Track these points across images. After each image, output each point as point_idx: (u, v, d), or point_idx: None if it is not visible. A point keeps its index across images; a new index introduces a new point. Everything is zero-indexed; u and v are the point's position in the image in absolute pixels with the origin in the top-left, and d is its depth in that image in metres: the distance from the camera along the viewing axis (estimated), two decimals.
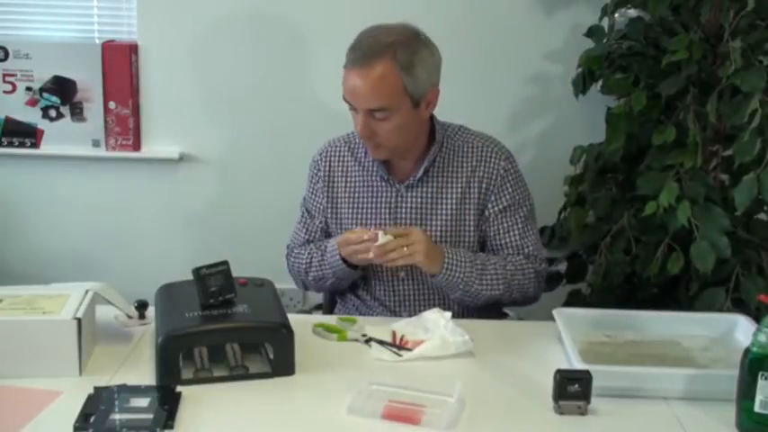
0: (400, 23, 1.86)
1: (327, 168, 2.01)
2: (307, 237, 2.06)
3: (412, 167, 1.95)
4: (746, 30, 2.19)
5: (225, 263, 1.65)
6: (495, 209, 1.93)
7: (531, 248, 1.95)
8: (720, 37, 2.24)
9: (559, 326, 1.68)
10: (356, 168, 1.99)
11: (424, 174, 1.93)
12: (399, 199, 1.95)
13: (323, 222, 2.04)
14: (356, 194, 1.98)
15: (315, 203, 2.04)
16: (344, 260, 1.88)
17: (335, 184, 2.00)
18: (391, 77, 1.79)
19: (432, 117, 1.95)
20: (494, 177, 1.93)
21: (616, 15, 2.51)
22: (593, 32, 2.56)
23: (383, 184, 1.96)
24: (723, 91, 2.20)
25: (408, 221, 1.94)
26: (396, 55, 1.79)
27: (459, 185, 1.93)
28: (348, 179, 1.99)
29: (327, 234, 2.03)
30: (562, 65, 2.71)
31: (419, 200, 1.94)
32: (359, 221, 1.96)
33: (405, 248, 1.77)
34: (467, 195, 1.93)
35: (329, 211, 2.01)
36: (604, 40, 2.50)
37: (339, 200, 1.99)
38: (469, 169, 1.94)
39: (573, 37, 2.67)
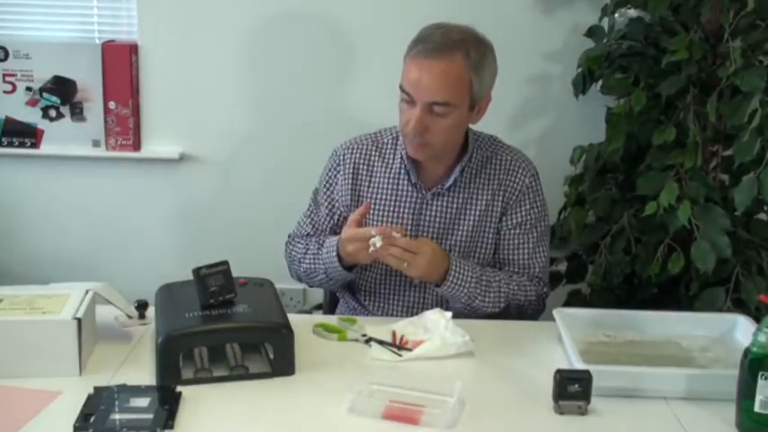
0: (465, 25, 1.84)
1: (352, 164, 1.96)
2: (312, 229, 2.03)
3: (441, 175, 1.91)
4: (746, 30, 2.19)
5: (225, 263, 1.65)
6: (510, 223, 1.92)
7: (537, 270, 1.94)
8: (720, 37, 2.24)
9: (559, 326, 1.68)
10: (382, 169, 1.95)
11: (452, 183, 1.90)
12: (425, 206, 1.92)
13: (334, 216, 2.00)
14: (380, 195, 1.94)
15: (329, 197, 2.00)
16: (340, 260, 1.86)
17: (360, 182, 1.96)
18: (462, 73, 1.76)
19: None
20: (516, 192, 1.91)
21: (616, 15, 2.51)
22: (593, 32, 2.56)
23: (409, 188, 1.92)
24: (723, 91, 2.21)
25: (431, 229, 1.91)
26: (468, 52, 1.77)
27: (485, 198, 1.91)
28: (372, 179, 1.95)
29: (334, 231, 2.00)
30: (562, 65, 2.71)
31: (444, 209, 1.91)
32: (382, 221, 1.93)
33: (404, 264, 1.75)
34: (490, 208, 1.91)
35: (352, 208, 1.95)
36: (604, 40, 2.51)
37: (363, 199, 1.95)
38: (496, 182, 1.92)
39: (573, 37, 2.68)
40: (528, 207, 1.92)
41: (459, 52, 1.76)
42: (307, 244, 1.99)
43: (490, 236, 1.93)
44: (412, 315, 1.89)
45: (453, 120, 1.80)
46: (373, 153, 1.97)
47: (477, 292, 1.84)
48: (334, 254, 1.86)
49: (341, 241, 1.83)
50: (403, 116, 1.82)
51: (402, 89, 1.80)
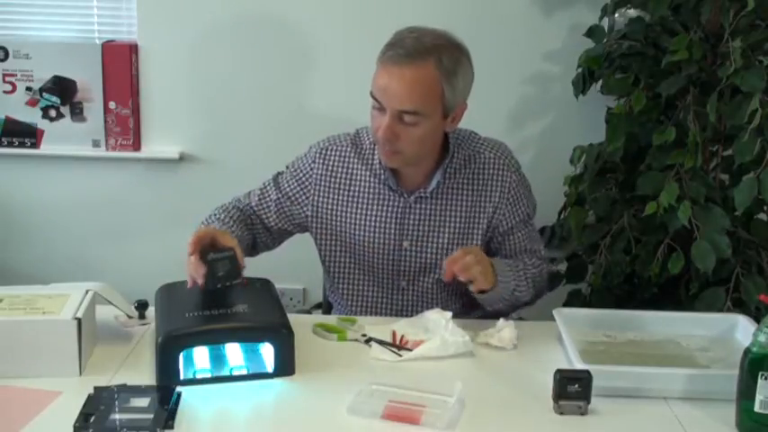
0: (441, 29, 1.78)
1: (326, 167, 1.92)
2: (256, 202, 1.97)
3: (422, 179, 1.88)
4: (746, 30, 2.19)
5: (231, 249, 1.66)
6: (513, 221, 1.92)
7: (539, 252, 1.96)
8: (720, 37, 2.24)
9: (559, 326, 1.68)
10: (362, 171, 1.91)
11: (434, 186, 1.88)
12: (407, 210, 1.89)
13: (282, 206, 1.94)
14: (361, 198, 1.91)
15: (289, 187, 1.95)
16: None
17: (336, 184, 1.92)
18: (432, 81, 1.71)
19: None
20: (506, 192, 1.89)
21: (616, 15, 2.52)
22: (593, 32, 2.56)
23: (390, 192, 1.89)
24: (723, 91, 2.20)
25: (416, 232, 1.90)
26: (440, 59, 1.71)
27: (470, 200, 1.89)
28: (352, 180, 1.92)
29: (268, 220, 1.95)
30: (562, 65, 2.71)
31: (428, 212, 1.89)
32: (364, 226, 1.91)
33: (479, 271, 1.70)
34: (477, 210, 1.90)
35: (329, 208, 1.93)
36: (604, 40, 2.50)
37: (342, 200, 1.92)
38: (480, 183, 1.89)
39: (573, 37, 2.67)
40: (525, 202, 1.93)
41: (430, 59, 1.70)
42: (223, 208, 1.92)
43: (479, 238, 1.91)
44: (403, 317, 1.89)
45: (424, 129, 1.75)
46: (351, 156, 1.92)
47: (514, 285, 1.82)
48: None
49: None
50: (374, 123, 1.78)
51: (372, 95, 1.76)
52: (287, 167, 2.01)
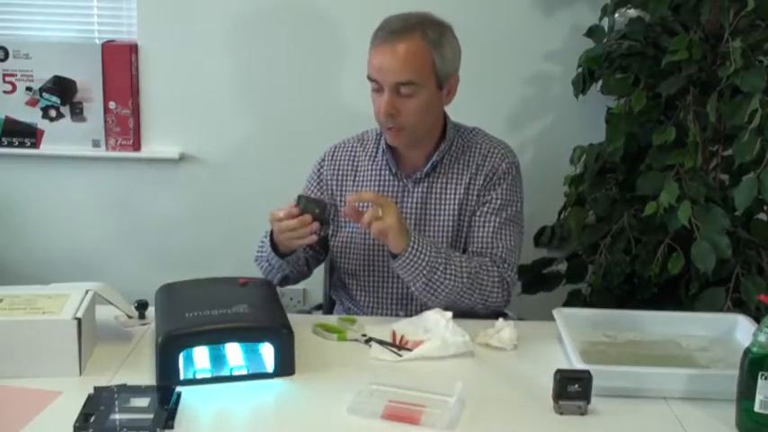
0: (423, 11, 1.89)
1: (334, 163, 2.01)
2: None
3: (420, 162, 1.95)
4: (746, 30, 2.19)
5: (299, 197, 1.75)
6: (479, 201, 1.93)
7: (500, 251, 1.90)
8: (720, 37, 2.24)
9: (559, 326, 1.68)
10: (366, 163, 1.99)
11: (431, 169, 1.93)
12: (406, 193, 1.95)
13: None
14: (364, 186, 1.97)
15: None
16: (275, 247, 1.85)
17: (343, 177, 1.99)
18: (421, 51, 1.82)
19: (445, 115, 1.96)
20: (491, 175, 1.93)
21: (616, 15, 2.52)
22: (593, 32, 2.56)
23: (391, 177, 1.96)
24: (723, 91, 2.20)
25: (414, 215, 1.93)
26: (425, 32, 1.82)
27: (464, 183, 1.93)
28: (357, 172, 1.99)
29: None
30: (562, 65, 2.71)
31: (425, 195, 1.94)
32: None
33: (379, 211, 1.73)
34: (469, 193, 1.93)
35: (337, 205, 1.98)
36: (604, 40, 2.51)
37: (345, 191, 1.98)
38: (474, 167, 1.94)
39: (573, 37, 2.67)
40: (500, 190, 1.93)
41: (415, 33, 1.82)
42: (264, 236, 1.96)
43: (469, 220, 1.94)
44: (404, 306, 1.92)
45: (422, 99, 1.83)
46: (359, 150, 2.01)
47: (439, 262, 1.78)
48: (269, 241, 1.87)
49: (271, 221, 1.80)
50: (375, 105, 1.88)
51: (369, 78, 1.85)
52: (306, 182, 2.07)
